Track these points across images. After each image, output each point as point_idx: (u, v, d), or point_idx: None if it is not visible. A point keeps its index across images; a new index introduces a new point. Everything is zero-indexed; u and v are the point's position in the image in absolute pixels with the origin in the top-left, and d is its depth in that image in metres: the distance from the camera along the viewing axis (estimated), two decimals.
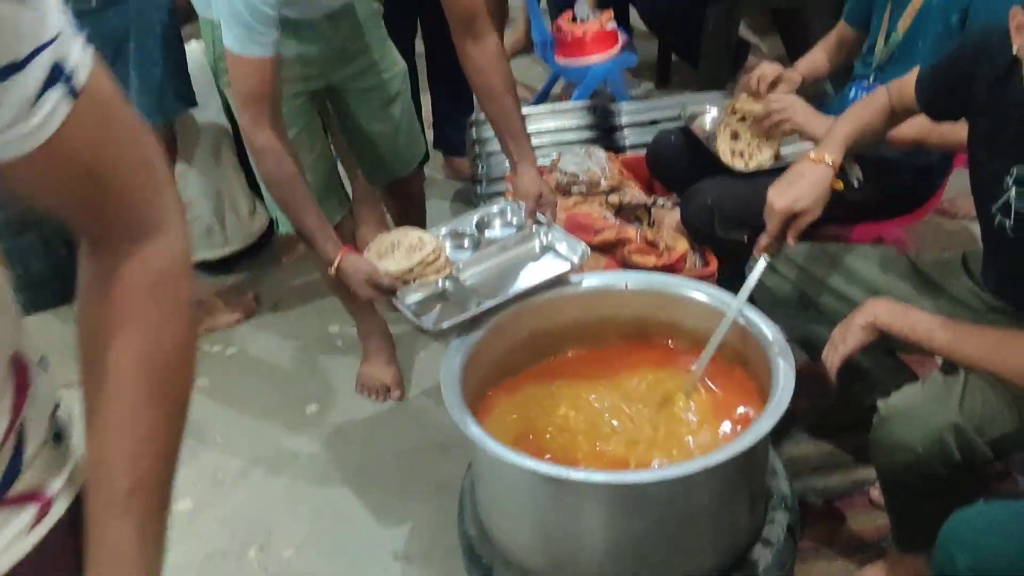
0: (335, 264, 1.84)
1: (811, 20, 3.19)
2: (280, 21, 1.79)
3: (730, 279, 1.97)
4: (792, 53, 3.61)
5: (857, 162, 1.93)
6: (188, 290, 0.80)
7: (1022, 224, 1.54)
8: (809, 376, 1.72)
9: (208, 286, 2.86)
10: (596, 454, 1.65)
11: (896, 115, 1.75)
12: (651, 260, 2.13)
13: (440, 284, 1.85)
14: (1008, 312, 1.68)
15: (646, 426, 1.69)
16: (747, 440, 1.46)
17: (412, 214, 2.45)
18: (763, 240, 1.70)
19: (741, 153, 2.20)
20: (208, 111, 2.69)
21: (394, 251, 1.85)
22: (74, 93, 0.68)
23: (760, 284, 1.87)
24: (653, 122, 2.83)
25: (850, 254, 1.88)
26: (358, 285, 1.83)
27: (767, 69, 2.25)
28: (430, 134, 3.11)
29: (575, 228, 2.10)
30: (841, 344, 1.63)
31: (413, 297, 1.84)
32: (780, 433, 1.94)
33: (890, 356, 1.88)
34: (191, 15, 2.26)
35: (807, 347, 1.95)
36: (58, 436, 0.84)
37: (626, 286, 1.87)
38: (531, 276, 1.87)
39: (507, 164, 2.73)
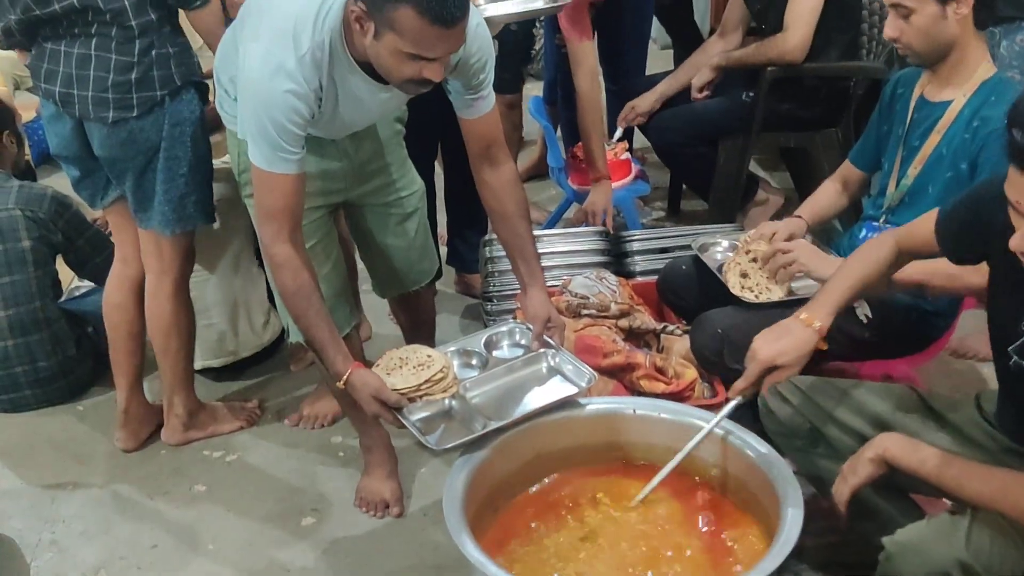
0: (344, 378, 1.85)
1: (819, 157, 3.27)
2: (311, 146, 1.85)
3: (738, 410, 1.97)
4: (800, 189, 3.69)
5: (866, 299, 1.96)
6: None
7: None
8: (818, 511, 1.70)
9: (213, 390, 2.85)
10: None
11: (903, 261, 1.78)
12: (659, 387, 2.13)
13: (446, 403, 1.86)
14: (1022, 454, 1.67)
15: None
16: None
17: (422, 329, 2.46)
18: (739, 383, 1.75)
19: (750, 289, 2.22)
20: (229, 220, 2.75)
21: (402, 367, 1.87)
22: None
23: (771, 415, 1.88)
24: (663, 250, 2.88)
25: (861, 389, 1.88)
26: (365, 401, 1.83)
27: (780, 230, 2.29)
28: (444, 251, 3.16)
29: (584, 350, 2.12)
30: (851, 476, 1.63)
31: (419, 414, 1.84)
32: (786, 570, 1.90)
33: (901, 495, 1.85)
34: (220, 126, 2.33)
35: (816, 482, 1.92)
36: None
37: (634, 412, 1.87)
38: (537, 399, 1.88)
39: (517, 284, 2.81)
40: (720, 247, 2.45)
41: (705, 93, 3.28)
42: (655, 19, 4.11)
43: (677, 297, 2.42)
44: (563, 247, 2.93)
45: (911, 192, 2.13)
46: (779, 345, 1.72)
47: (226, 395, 2.86)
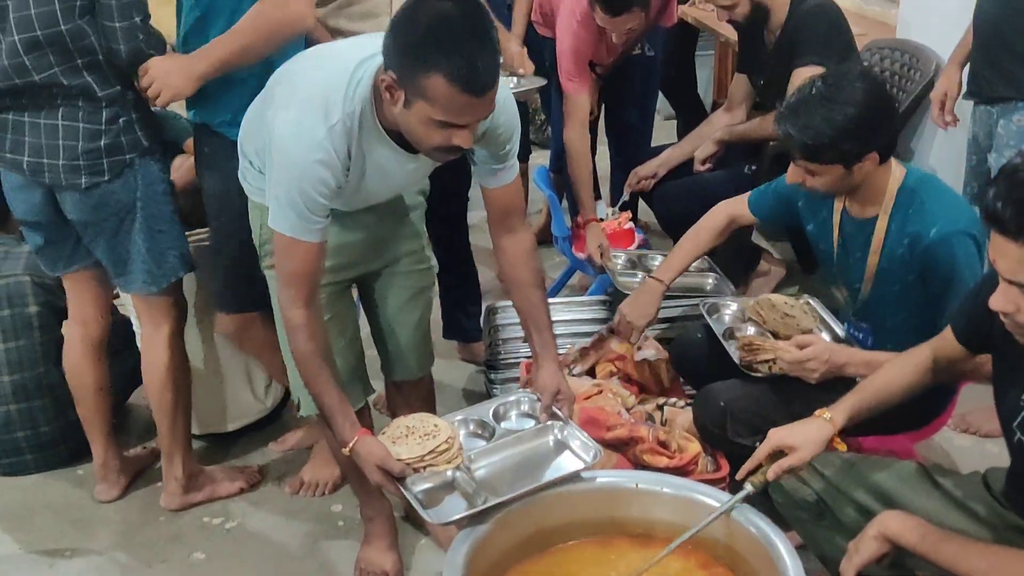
0: (350, 446, 1.85)
1: None
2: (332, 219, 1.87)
3: (741, 485, 1.97)
4: (802, 260, 3.72)
5: None
6: None
7: None
8: None
9: (212, 455, 2.85)
10: None
11: (941, 369, 1.81)
12: (662, 461, 2.13)
13: (450, 474, 1.84)
14: None
15: None
16: None
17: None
18: (749, 463, 1.75)
19: (758, 369, 2.20)
20: None
21: (408, 437, 1.86)
22: None
23: (778, 487, 1.88)
24: (666, 319, 2.89)
25: (867, 463, 1.88)
26: (370, 469, 1.82)
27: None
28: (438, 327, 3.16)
29: (588, 422, 2.12)
30: (856, 555, 1.63)
31: (422, 486, 1.82)
32: None
33: (907, 573, 1.84)
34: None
35: (822, 557, 1.91)
36: None
37: (636, 486, 1.86)
38: (543, 472, 1.87)
39: (522, 351, 2.82)
40: (729, 309, 2.46)
41: (708, 165, 3.33)
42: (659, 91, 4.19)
43: (692, 366, 2.41)
44: (567, 315, 2.96)
45: (871, 301, 2.18)
46: (793, 431, 1.74)
47: (225, 461, 2.84)
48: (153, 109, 2.33)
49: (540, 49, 3.54)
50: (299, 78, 1.86)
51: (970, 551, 1.53)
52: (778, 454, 1.73)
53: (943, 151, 3.34)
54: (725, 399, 2.14)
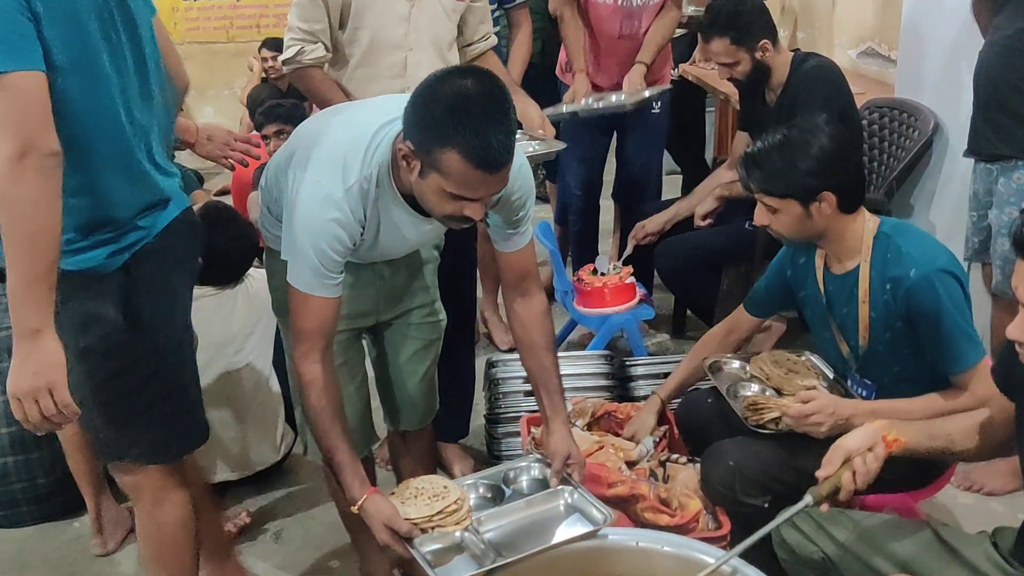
0: (359, 504, 1.84)
1: None
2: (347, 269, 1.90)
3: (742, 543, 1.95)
4: (803, 317, 3.72)
5: None
6: None
7: None
8: None
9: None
10: None
11: (999, 425, 1.78)
12: (664, 519, 2.10)
13: (459, 535, 1.83)
14: None
15: None
16: None
17: (417, 471, 2.32)
18: (821, 472, 1.72)
19: (765, 427, 2.19)
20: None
21: (418, 497, 1.86)
22: None
23: (784, 544, 1.87)
24: (667, 375, 2.87)
25: (873, 521, 1.87)
26: (377, 528, 1.81)
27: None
28: None
29: (588, 479, 2.09)
30: None
31: (430, 546, 1.81)
32: None
33: None
34: None
35: None
36: None
37: (636, 544, 1.84)
38: (552, 535, 1.86)
39: (523, 405, 2.81)
40: (732, 366, 2.45)
41: (708, 221, 3.35)
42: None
43: (701, 432, 2.37)
44: (567, 370, 2.93)
45: (868, 355, 2.17)
46: (845, 437, 1.74)
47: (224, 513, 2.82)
48: None
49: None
50: (320, 137, 1.89)
51: None
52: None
53: (943, 208, 3.37)
54: (734, 459, 2.12)
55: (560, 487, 1.97)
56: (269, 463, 2.94)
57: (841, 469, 1.71)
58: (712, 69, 3.80)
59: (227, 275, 2.78)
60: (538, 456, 2.07)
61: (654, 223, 3.46)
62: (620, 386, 2.90)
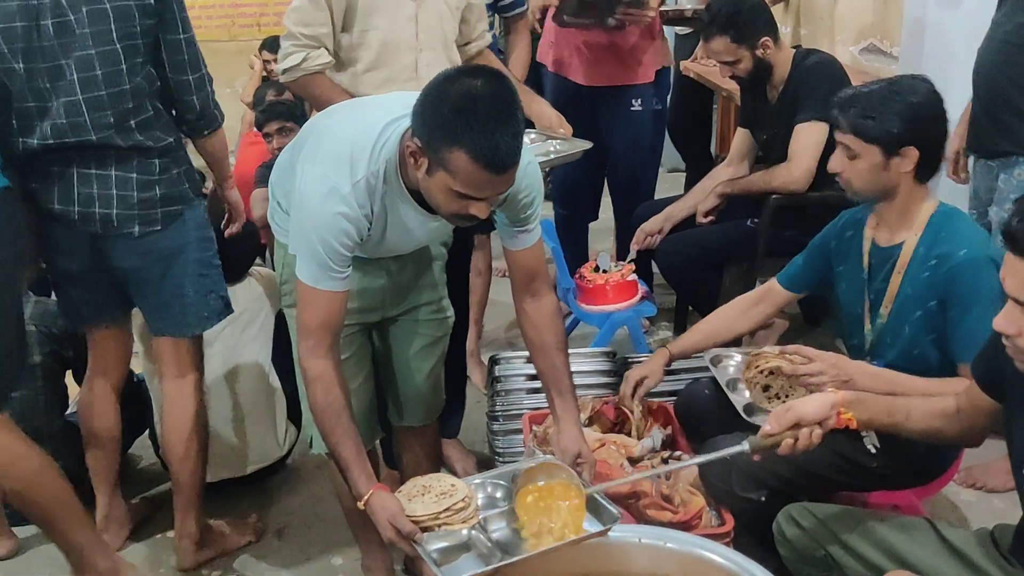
0: (364, 500, 1.83)
1: None
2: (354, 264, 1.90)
3: (754, 534, 1.95)
4: (805, 311, 3.73)
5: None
6: None
7: None
8: None
9: (211, 506, 2.82)
10: None
11: (964, 417, 1.79)
12: (666, 515, 2.11)
13: (465, 533, 1.83)
14: None
15: None
16: None
17: (420, 469, 2.33)
18: (767, 428, 1.77)
19: (776, 396, 2.20)
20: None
21: (424, 495, 1.84)
22: None
23: (785, 541, 1.89)
24: (670, 371, 2.87)
25: (875, 519, 1.87)
26: (382, 525, 1.80)
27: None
28: None
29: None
30: None
31: (437, 544, 1.80)
32: None
33: None
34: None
35: None
36: None
37: (639, 540, 1.84)
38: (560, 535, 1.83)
39: (525, 403, 2.81)
40: (733, 360, 2.45)
41: (709, 219, 3.35)
42: (668, 142, 4.23)
43: (699, 422, 2.39)
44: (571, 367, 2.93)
45: (888, 332, 2.16)
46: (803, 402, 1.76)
47: (224, 508, 2.82)
48: None
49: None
50: (328, 132, 1.91)
51: None
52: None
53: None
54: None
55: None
56: (271, 460, 2.95)
57: (786, 433, 1.73)
58: (714, 66, 3.80)
59: (231, 272, 2.78)
60: (548, 456, 2.06)
61: (652, 224, 3.46)
62: (622, 383, 2.89)
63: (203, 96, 2.31)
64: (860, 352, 2.24)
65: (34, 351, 2.73)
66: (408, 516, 1.79)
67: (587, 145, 2.87)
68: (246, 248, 2.88)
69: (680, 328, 3.82)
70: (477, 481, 1.98)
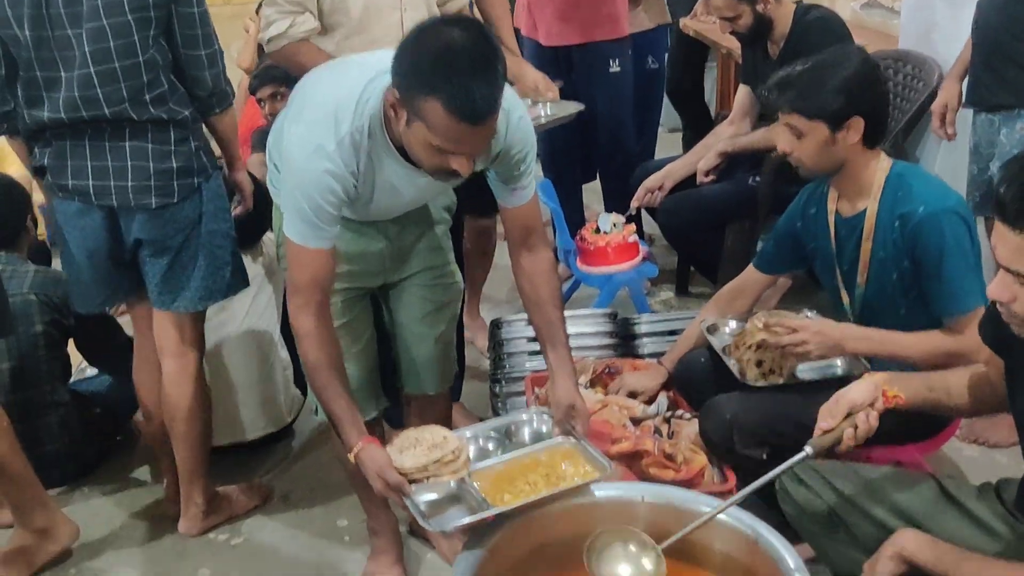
0: (354, 451, 1.83)
1: None
2: (345, 220, 1.88)
3: (757, 493, 1.95)
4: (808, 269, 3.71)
5: None
6: None
7: None
8: None
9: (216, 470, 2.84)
10: None
11: (994, 381, 1.77)
12: (669, 474, 2.12)
13: (453, 485, 1.83)
14: None
15: None
16: None
17: None
18: (820, 429, 1.71)
19: (771, 371, 2.20)
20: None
21: (416, 447, 1.84)
22: None
23: (789, 499, 1.88)
24: (671, 332, 2.88)
25: (879, 475, 1.87)
26: (372, 477, 1.81)
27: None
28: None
29: (593, 436, 2.10)
30: (872, 575, 1.62)
31: (426, 496, 1.82)
32: None
33: None
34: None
35: (836, 573, 1.90)
36: None
37: (642, 499, 1.85)
38: (550, 488, 1.84)
39: (527, 365, 2.81)
40: (728, 327, 2.45)
41: (711, 177, 3.33)
42: (667, 102, 4.19)
43: (695, 389, 2.39)
44: (571, 329, 2.91)
45: (869, 298, 2.17)
46: (848, 390, 1.73)
47: (231, 472, 2.83)
48: None
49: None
50: (313, 91, 1.89)
51: (988, 571, 1.52)
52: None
53: (946, 161, 3.34)
54: (731, 412, 2.13)
55: (561, 439, 1.95)
56: (278, 427, 2.96)
57: (843, 423, 1.71)
58: (713, 23, 3.76)
59: (242, 240, 2.76)
60: (541, 408, 2.06)
61: (653, 181, 3.43)
62: (624, 344, 2.89)
63: (215, 72, 2.28)
64: (852, 316, 2.24)
65: (35, 320, 2.73)
66: (397, 468, 1.78)
67: (579, 107, 2.84)
68: (258, 216, 2.85)
69: (682, 289, 3.82)
70: (469, 434, 1.97)
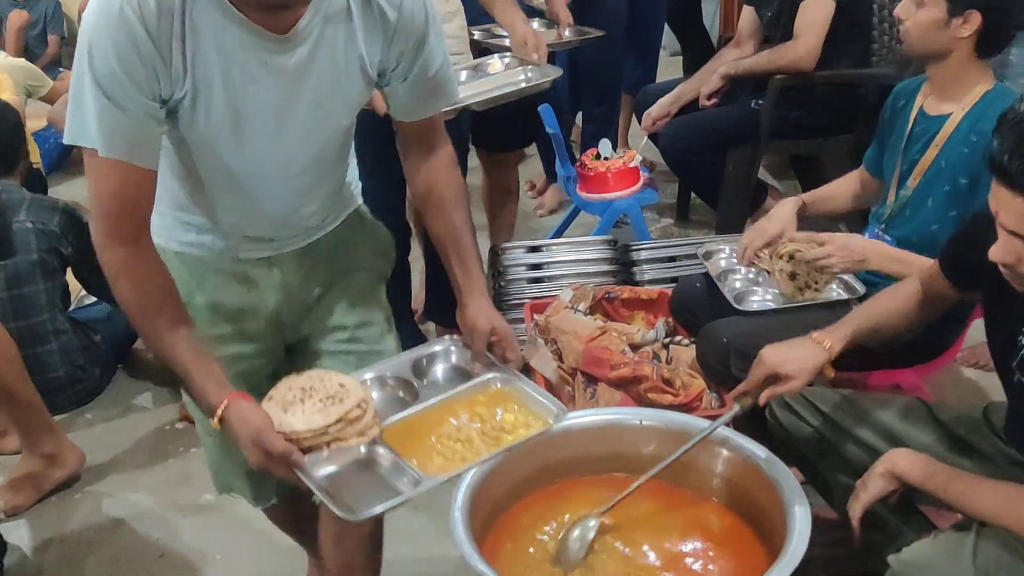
0: (218, 413, 1.37)
1: (828, 165, 3.26)
2: (228, 269, 1.56)
3: (746, 419, 1.96)
4: None
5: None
6: None
7: None
8: (825, 523, 1.70)
9: None
10: None
11: (928, 301, 1.77)
12: (667, 398, 2.13)
13: (364, 449, 1.41)
14: None
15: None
16: None
17: (359, 558, 1.82)
18: (740, 387, 1.74)
19: (806, 285, 2.18)
20: None
21: (304, 402, 1.40)
22: None
23: (778, 425, 1.88)
24: (671, 259, 2.87)
25: (868, 400, 1.88)
26: (246, 447, 1.35)
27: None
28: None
29: (592, 363, 2.11)
30: (863, 493, 1.63)
31: (327, 468, 1.38)
32: None
33: (910, 508, 1.85)
34: None
35: (825, 493, 1.91)
36: None
37: (640, 423, 1.85)
38: (488, 441, 1.50)
39: (527, 292, 2.81)
40: (723, 254, 2.43)
41: (713, 101, 3.28)
42: (666, 26, 4.11)
43: (691, 315, 2.38)
44: (570, 256, 2.93)
45: (910, 204, 2.13)
46: (786, 355, 1.71)
47: None
48: None
49: None
50: None
51: (979, 489, 1.53)
52: (771, 378, 1.70)
53: None
54: (727, 335, 2.13)
55: (488, 375, 1.57)
56: None
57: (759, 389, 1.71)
58: None
59: None
60: (452, 336, 1.66)
61: (659, 108, 3.39)
62: (624, 271, 2.88)
63: None
64: (878, 221, 2.21)
65: (32, 249, 2.72)
66: (284, 433, 1.35)
67: (557, 72, 2.76)
68: None
69: (683, 215, 3.79)
70: (370, 376, 1.56)
